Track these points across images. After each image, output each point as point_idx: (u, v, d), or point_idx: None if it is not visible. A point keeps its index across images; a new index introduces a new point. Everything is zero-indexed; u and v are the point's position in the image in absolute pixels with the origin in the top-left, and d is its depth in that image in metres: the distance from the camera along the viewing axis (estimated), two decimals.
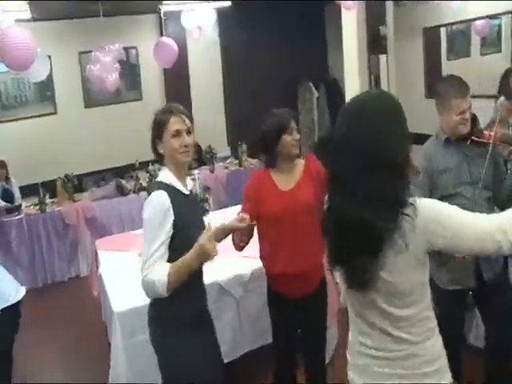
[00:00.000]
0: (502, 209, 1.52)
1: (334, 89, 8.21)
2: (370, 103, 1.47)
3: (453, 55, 7.04)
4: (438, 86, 2.50)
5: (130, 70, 7.09)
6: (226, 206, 4.95)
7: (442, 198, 2.43)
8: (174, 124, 2.06)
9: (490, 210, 2.46)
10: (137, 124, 6.56)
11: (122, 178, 5.91)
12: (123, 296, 2.91)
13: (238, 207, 4.77)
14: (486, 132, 2.44)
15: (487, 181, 2.44)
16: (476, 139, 2.43)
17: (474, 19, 6.29)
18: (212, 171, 6.32)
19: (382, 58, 5.29)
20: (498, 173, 2.52)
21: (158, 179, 2.13)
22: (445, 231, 1.40)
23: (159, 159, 2.16)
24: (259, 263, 3.16)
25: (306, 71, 7.83)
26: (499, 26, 6.44)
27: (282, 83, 7.62)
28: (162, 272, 1.93)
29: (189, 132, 2.09)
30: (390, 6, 5.09)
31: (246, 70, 7.56)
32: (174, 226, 2.00)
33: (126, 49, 6.89)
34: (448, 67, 6.76)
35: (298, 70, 7.71)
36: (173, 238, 2.00)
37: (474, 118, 2.46)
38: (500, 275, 2.52)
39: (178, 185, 2.10)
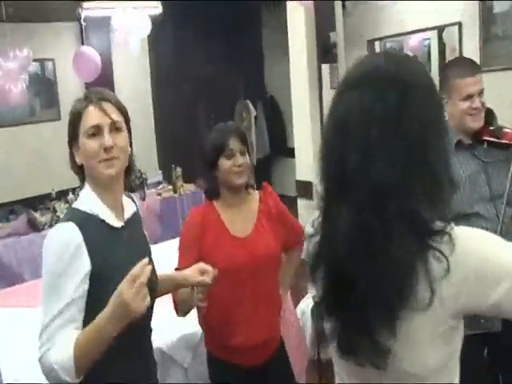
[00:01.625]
0: None
1: (272, 107, 7.75)
2: (404, 71, 0.98)
3: None
4: (443, 68, 2.05)
5: (45, 86, 6.23)
6: (160, 240, 4.25)
7: (454, 220, 1.98)
8: (91, 117, 1.36)
9: None
10: (54, 147, 5.75)
11: (35, 210, 5.00)
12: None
13: (176, 241, 4.11)
14: (507, 130, 1.90)
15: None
16: (494, 140, 1.90)
17: (407, 33, 6.12)
18: (143, 199, 5.54)
19: (325, 67, 4.79)
20: None
21: (74, 205, 1.43)
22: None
23: (80, 176, 1.46)
24: None
25: (242, 88, 7.30)
26: (429, 46, 6.40)
27: (217, 100, 7.02)
28: (64, 349, 1.20)
29: (116, 129, 1.38)
30: (338, 9, 4.63)
31: (178, 84, 6.88)
32: (93, 275, 1.31)
33: (41, 61, 6.08)
34: None
35: (235, 85, 7.17)
36: (92, 294, 1.30)
37: (489, 113, 1.94)
38: None
39: (104, 212, 1.40)
